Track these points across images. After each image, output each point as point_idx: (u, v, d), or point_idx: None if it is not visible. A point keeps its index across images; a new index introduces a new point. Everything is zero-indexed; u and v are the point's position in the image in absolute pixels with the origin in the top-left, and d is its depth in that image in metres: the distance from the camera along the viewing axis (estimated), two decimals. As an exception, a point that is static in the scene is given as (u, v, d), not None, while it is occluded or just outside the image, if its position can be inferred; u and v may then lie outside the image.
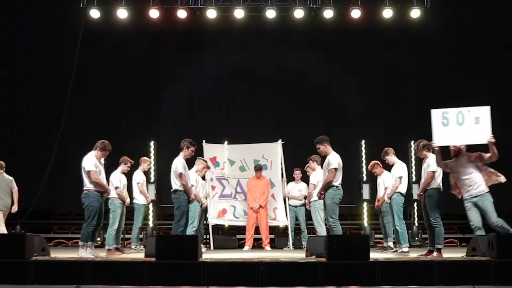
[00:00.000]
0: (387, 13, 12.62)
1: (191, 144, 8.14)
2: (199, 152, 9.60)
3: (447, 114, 7.34)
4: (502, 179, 7.33)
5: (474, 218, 7.15)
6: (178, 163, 7.92)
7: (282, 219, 11.10)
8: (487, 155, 7.17)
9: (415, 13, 12.57)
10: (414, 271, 5.98)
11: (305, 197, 10.81)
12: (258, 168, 10.85)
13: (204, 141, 11.09)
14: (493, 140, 7.10)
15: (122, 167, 9.42)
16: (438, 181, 7.66)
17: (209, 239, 10.95)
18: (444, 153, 7.54)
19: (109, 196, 8.26)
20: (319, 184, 8.85)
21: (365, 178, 11.56)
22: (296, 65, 13.37)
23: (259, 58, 13.37)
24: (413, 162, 11.52)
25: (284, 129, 12.70)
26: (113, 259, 7.40)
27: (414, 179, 11.31)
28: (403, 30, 13.10)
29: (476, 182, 7.16)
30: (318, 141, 7.94)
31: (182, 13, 12.57)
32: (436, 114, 7.39)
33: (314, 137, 8.07)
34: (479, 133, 7.16)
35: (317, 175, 9.44)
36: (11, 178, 9.40)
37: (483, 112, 7.21)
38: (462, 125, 7.24)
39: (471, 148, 7.41)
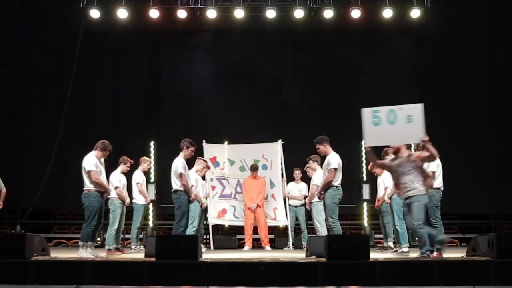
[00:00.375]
0: (387, 13, 12.61)
1: (191, 144, 8.14)
2: (199, 152, 9.60)
3: (379, 113, 6.92)
4: (433, 184, 7.15)
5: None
6: (178, 163, 7.92)
7: (282, 219, 11.10)
8: (426, 154, 6.83)
9: (415, 13, 12.57)
10: (414, 271, 5.99)
11: (305, 197, 10.81)
12: (254, 168, 10.84)
13: (204, 141, 11.09)
14: (426, 139, 6.75)
15: (121, 167, 9.42)
16: (438, 181, 7.65)
17: (209, 239, 10.95)
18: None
19: (109, 196, 8.27)
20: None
21: (365, 178, 11.55)
22: (296, 65, 13.36)
23: (259, 58, 13.37)
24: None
25: (284, 129, 12.69)
26: (113, 259, 7.41)
27: (414, 179, 11.29)
28: (403, 30, 13.11)
29: (412, 183, 6.79)
30: (318, 141, 7.94)
31: (182, 13, 12.57)
32: (367, 113, 6.97)
33: (314, 137, 8.07)
34: (412, 132, 6.78)
35: (320, 176, 9.43)
36: None
37: (416, 110, 6.82)
38: (394, 124, 6.83)
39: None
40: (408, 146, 7.21)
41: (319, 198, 8.28)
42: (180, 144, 8.13)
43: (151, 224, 11.38)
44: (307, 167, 10.06)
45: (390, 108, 6.90)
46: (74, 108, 12.82)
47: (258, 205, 10.69)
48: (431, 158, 6.88)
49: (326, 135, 8.05)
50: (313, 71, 13.32)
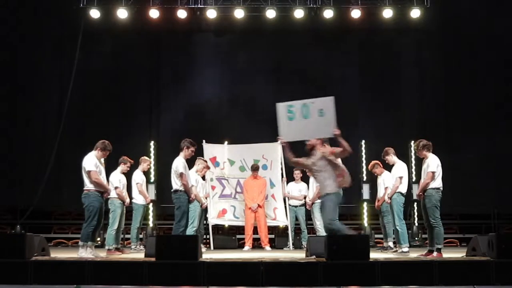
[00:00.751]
0: (387, 13, 12.62)
1: (191, 144, 8.14)
2: (199, 152, 9.59)
3: (293, 108, 6.78)
4: (345, 183, 6.87)
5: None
6: (179, 163, 7.92)
7: (282, 219, 11.10)
8: (339, 149, 6.72)
9: (415, 13, 12.58)
10: (414, 271, 5.99)
11: (305, 197, 10.81)
12: (255, 168, 10.85)
13: (204, 141, 11.09)
14: (337, 133, 6.65)
15: (121, 167, 9.42)
16: (438, 181, 7.65)
17: (209, 239, 10.95)
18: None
19: (109, 196, 8.27)
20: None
21: (365, 178, 11.55)
22: (296, 65, 13.35)
23: (259, 57, 13.37)
24: (413, 162, 11.52)
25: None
26: (113, 259, 7.41)
27: (414, 179, 11.31)
28: (403, 30, 13.11)
29: (326, 180, 6.74)
30: (317, 141, 7.92)
31: (182, 13, 12.57)
32: (282, 108, 6.85)
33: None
34: (324, 127, 6.68)
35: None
36: None
37: (327, 104, 6.70)
38: (308, 119, 6.72)
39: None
40: (323, 142, 7.00)
41: (319, 198, 8.30)
42: (181, 144, 8.13)
43: (151, 224, 11.39)
44: (307, 167, 10.06)
45: (304, 102, 6.79)
46: (74, 108, 12.82)
47: (259, 205, 10.69)
48: (343, 153, 6.75)
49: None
50: (313, 71, 13.31)
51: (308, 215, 10.86)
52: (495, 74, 12.92)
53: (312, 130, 6.77)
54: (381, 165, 9.59)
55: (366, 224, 11.68)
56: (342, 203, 7.09)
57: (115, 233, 9.02)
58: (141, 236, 10.70)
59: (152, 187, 11.05)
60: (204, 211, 10.25)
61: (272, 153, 11.28)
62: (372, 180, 10.56)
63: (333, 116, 6.67)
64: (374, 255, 7.18)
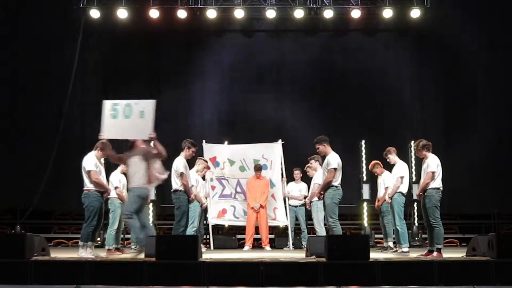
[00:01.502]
0: (387, 13, 12.62)
1: (192, 144, 8.14)
2: (199, 152, 9.59)
3: (117, 106, 7.05)
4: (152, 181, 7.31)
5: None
6: (179, 163, 7.93)
7: (282, 219, 11.10)
8: (155, 151, 7.10)
9: (415, 13, 12.57)
10: (414, 271, 5.99)
11: (305, 197, 10.81)
12: (258, 168, 10.85)
13: (204, 141, 11.09)
14: (153, 136, 7.02)
15: (121, 167, 9.40)
16: (437, 181, 7.65)
17: (209, 239, 10.95)
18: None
19: (108, 196, 8.27)
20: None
21: (365, 178, 11.55)
22: (296, 65, 13.35)
23: (259, 57, 13.36)
24: (413, 162, 11.52)
25: (284, 129, 12.69)
26: (113, 259, 7.41)
27: (414, 179, 11.30)
28: (403, 30, 13.11)
29: (134, 174, 7.11)
30: (317, 141, 7.94)
31: (182, 13, 12.57)
32: (107, 105, 7.09)
33: (314, 137, 8.07)
34: (143, 128, 6.98)
35: (321, 175, 9.43)
36: None
37: (148, 106, 7.01)
38: (129, 119, 7.00)
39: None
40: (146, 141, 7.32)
41: (318, 198, 8.31)
42: (182, 144, 8.14)
43: (151, 224, 11.38)
44: (308, 166, 10.07)
45: (128, 102, 7.07)
46: (74, 108, 12.81)
47: (261, 205, 10.69)
48: (158, 156, 7.15)
49: (325, 135, 8.04)
50: (313, 70, 13.31)
51: (308, 215, 10.86)
52: (495, 74, 12.92)
53: (131, 130, 7.08)
54: (381, 165, 9.59)
55: (366, 224, 11.68)
56: (145, 198, 7.40)
57: (115, 233, 9.02)
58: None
59: (152, 187, 11.03)
60: (204, 211, 10.25)
61: (272, 153, 11.28)
62: (372, 180, 10.56)
63: (152, 119, 6.99)
64: (374, 255, 7.18)
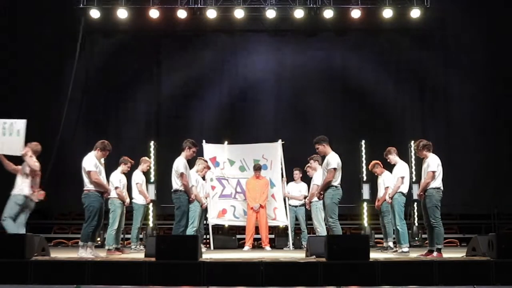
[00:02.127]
0: (387, 13, 12.63)
1: (193, 145, 8.13)
2: (199, 152, 9.59)
3: (6, 124, 7.81)
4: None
5: None
6: (180, 163, 7.92)
7: (282, 219, 11.09)
8: (29, 168, 7.81)
9: (415, 13, 12.58)
10: (414, 271, 5.99)
11: (305, 197, 10.80)
12: (257, 168, 10.85)
13: (204, 141, 11.09)
14: (23, 153, 7.77)
15: (122, 167, 9.41)
16: (438, 181, 7.64)
17: (209, 239, 10.95)
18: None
19: (109, 196, 8.26)
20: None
21: (365, 178, 11.54)
22: (296, 64, 13.37)
23: (259, 58, 13.37)
24: (413, 162, 11.52)
25: (284, 129, 12.70)
26: (113, 259, 7.41)
27: (414, 179, 11.29)
28: (403, 30, 13.11)
29: (21, 183, 7.89)
30: (317, 141, 7.93)
31: (182, 13, 12.58)
32: None
33: (314, 137, 8.07)
34: (14, 145, 7.77)
35: (320, 175, 9.42)
36: None
37: (22, 125, 7.77)
38: (5, 136, 7.80)
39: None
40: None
41: (318, 198, 8.30)
42: (182, 144, 8.13)
43: (151, 224, 11.38)
44: (308, 166, 10.06)
45: (4, 120, 7.79)
46: (74, 108, 12.81)
47: (261, 205, 10.69)
48: (32, 172, 7.85)
49: (325, 135, 8.04)
50: (312, 70, 13.32)
51: (308, 215, 10.85)
52: (495, 74, 12.92)
53: (4, 146, 7.80)
54: (381, 165, 9.58)
55: (366, 224, 11.67)
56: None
57: (115, 233, 9.01)
58: (141, 236, 10.70)
59: (152, 187, 11.04)
60: (204, 211, 10.24)
61: (272, 153, 11.27)
62: (372, 180, 10.56)
63: (23, 137, 7.78)
64: (374, 255, 7.18)
